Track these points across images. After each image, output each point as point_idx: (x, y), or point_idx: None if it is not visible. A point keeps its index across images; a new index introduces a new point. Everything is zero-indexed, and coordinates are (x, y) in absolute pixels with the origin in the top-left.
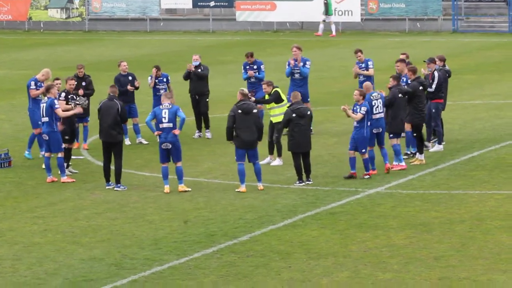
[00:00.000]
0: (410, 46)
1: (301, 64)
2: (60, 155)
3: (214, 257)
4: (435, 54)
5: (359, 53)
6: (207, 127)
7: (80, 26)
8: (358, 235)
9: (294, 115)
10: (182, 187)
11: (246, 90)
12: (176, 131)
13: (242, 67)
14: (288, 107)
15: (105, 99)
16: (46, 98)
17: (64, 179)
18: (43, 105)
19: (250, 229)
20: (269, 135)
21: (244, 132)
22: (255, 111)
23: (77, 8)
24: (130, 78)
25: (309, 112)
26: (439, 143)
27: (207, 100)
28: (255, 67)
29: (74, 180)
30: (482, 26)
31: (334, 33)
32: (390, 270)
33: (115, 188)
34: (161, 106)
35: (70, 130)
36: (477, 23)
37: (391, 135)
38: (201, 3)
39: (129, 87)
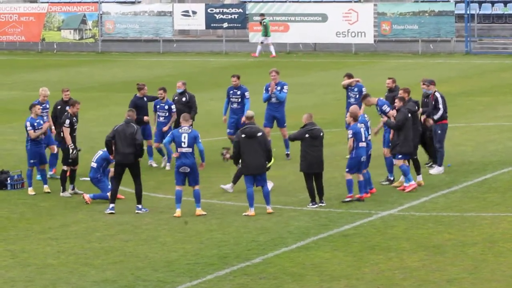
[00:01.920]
0: (423, 68)
1: (278, 88)
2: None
3: (227, 279)
4: (448, 76)
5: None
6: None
7: (93, 47)
8: (371, 257)
9: (307, 135)
10: (199, 211)
11: (250, 113)
12: (202, 167)
13: (226, 93)
14: (301, 127)
15: (122, 123)
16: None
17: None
18: (98, 155)
19: (263, 251)
20: None
21: (250, 156)
22: (259, 134)
23: (90, 29)
24: (145, 99)
25: (321, 134)
26: (440, 165)
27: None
28: (238, 92)
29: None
30: (495, 47)
31: (274, 53)
32: None
33: (136, 210)
34: (180, 130)
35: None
36: (490, 44)
37: (400, 156)
38: (214, 24)
39: (145, 118)
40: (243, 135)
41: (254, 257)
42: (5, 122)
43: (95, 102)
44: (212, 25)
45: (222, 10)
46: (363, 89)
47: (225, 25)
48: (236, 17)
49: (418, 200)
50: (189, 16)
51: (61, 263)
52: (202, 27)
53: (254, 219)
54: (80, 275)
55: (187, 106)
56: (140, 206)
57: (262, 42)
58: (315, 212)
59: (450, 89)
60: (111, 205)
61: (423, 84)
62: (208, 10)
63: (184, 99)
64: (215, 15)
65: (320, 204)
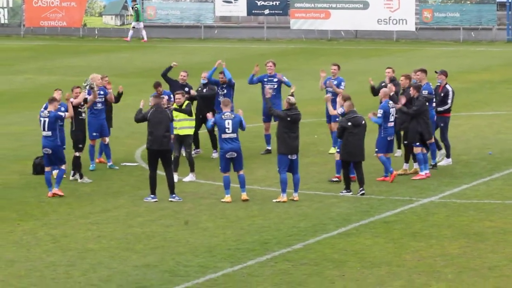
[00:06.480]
0: (464, 56)
1: (276, 79)
2: (63, 167)
3: (268, 265)
4: (490, 64)
5: (334, 67)
6: (214, 147)
7: (134, 33)
8: (412, 244)
9: (349, 123)
10: (245, 195)
11: (293, 99)
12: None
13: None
14: (343, 116)
15: (153, 109)
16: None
17: (56, 190)
18: (44, 120)
19: (304, 237)
20: (177, 150)
21: (290, 136)
22: (363, 122)
23: (131, 15)
24: (187, 88)
25: (363, 122)
26: (448, 157)
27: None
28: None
29: (62, 194)
30: None
31: (145, 38)
32: (444, 279)
33: (170, 199)
34: (222, 116)
35: (83, 137)
36: None
37: (417, 144)
38: (255, 11)
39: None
40: (288, 118)
41: (295, 243)
42: None
43: (135, 87)
44: (253, 11)
45: None
46: (343, 83)
47: (267, 11)
48: (277, 4)
49: (459, 187)
50: (231, 2)
51: (102, 247)
52: (244, 13)
53: (295, 205)
54: (121, 259)
55: (210, 98)
56: (174, 195)
57: (134, 27)
58: (356, 198)
59: (491, 77)
60: (151, 195)
61: (436, 72)
62: None
63: (205, 90)
64: (257, 1)
65: (360, 193)
